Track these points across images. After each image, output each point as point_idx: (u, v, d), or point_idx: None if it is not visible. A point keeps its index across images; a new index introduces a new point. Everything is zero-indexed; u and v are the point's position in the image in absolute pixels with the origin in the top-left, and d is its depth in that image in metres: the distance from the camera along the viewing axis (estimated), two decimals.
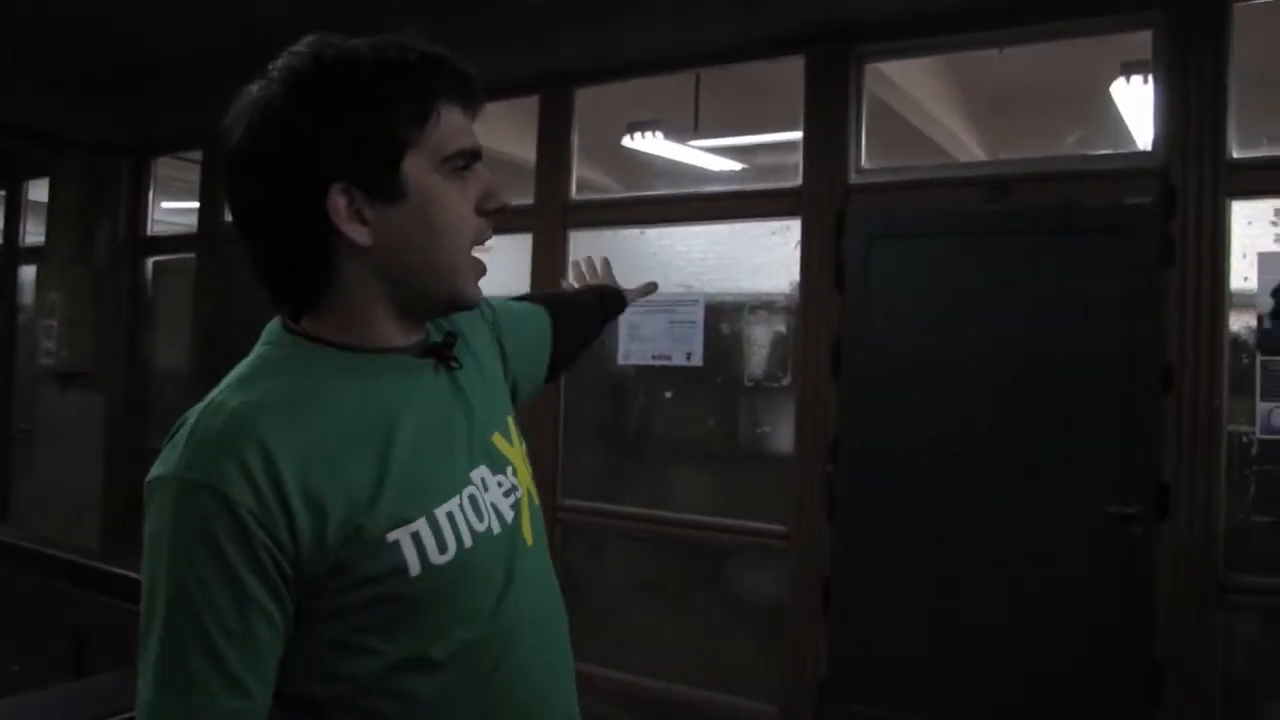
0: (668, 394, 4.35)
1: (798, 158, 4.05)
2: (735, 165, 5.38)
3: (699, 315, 4.20)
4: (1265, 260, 3.23)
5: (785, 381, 4.07)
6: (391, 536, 0.94)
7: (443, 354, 1.07)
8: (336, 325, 1.01)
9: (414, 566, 0.95)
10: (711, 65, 4.37)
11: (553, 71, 4.51)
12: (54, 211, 6.36)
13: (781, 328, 4.09)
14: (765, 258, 4.13)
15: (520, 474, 1.12)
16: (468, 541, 1.00)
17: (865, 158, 3.94)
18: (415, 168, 0.97)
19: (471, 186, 1.02)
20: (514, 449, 1.13)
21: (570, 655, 1.14)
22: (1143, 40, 3.48)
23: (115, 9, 4.63)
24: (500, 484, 1.08)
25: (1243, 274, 3.26)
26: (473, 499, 1.03)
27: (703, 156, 5.35)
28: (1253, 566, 3.22)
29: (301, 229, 0.97)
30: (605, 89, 4.62)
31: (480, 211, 1.03)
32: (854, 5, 3.78)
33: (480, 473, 1.06)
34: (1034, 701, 3.44)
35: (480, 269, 1.05)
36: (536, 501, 1.15)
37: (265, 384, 0.98)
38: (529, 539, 1.09)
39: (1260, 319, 3.21)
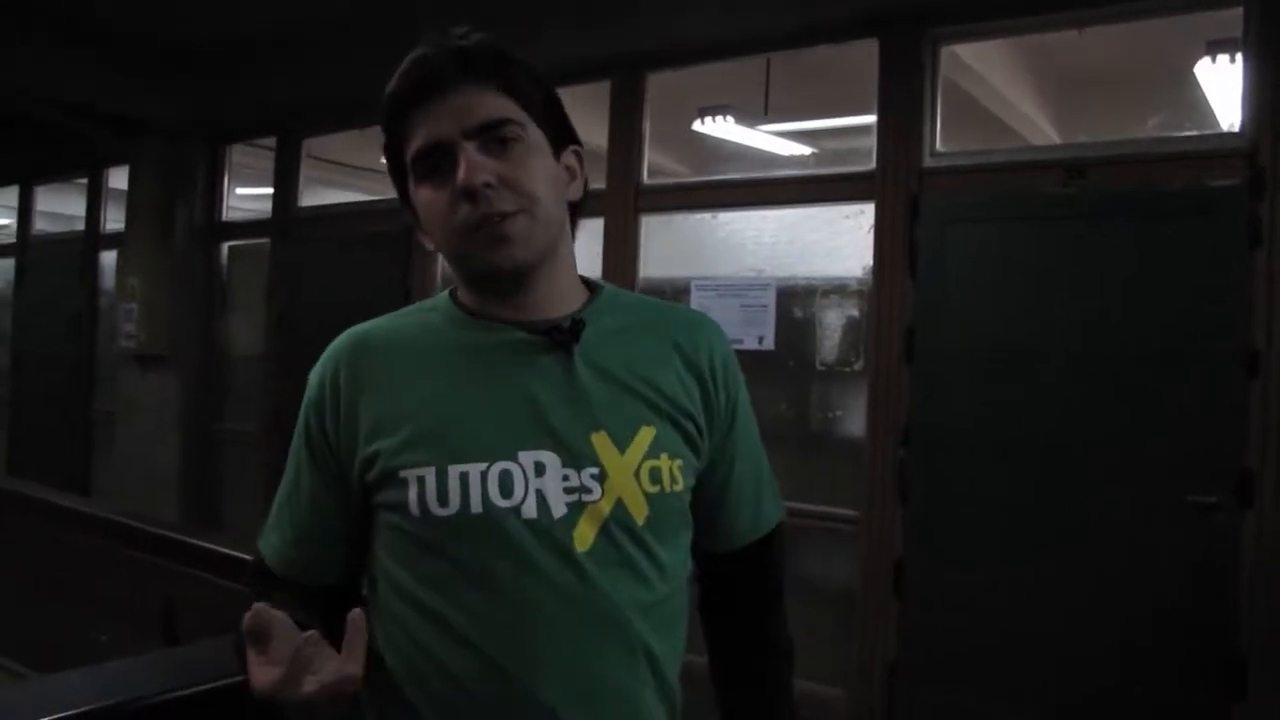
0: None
1: (867, 142, 4.02)
2: (805, 150, 5.36)
3: (770, 299, 4.20)
4: None
5: (858, 366, 4.05)
6: (404, 473, 1.06)
7: (555, 335, 1.10)
8: (461, 292, 1.18)
9: (414, 507, 1.05)
10: (783, 49, 4.35)
11: (624, 56, 4.52)
12: (133, 198, 6.51)
13: (854, 312, 4.07)
14: (838, 242, 4.11)
15: (613, 482, 1.07)
16: (475, 507, 1.04)
17: (940, 141, 3.90)
18: (413, 184, 1.11)
19: (450, 179, 1.06)
20: (621, 458, 1.08)
21: (625, 682, 1.08)
22: (1230, 18, 3.39)
23: None
24: (566, 477, 1.06)
25: None
26: (505, 473, 1.05)
27: (773, 141, 5.33)
28: None
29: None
30: (676, 74, 4.62)
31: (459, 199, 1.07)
32: None
33: (538, 456, 1.06)
34: (1108, 692, 3.39)
35: (488, 241, 1.06)
36: (636, 521, 1.08)
37: (394, 319, 1.18)
38: (581, 544, 1.05)
39: None
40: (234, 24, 5.11)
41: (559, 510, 1.05)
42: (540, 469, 1.06)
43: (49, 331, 7.46)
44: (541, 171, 1.09)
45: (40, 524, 3.72)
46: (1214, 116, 3.80)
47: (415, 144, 1.08)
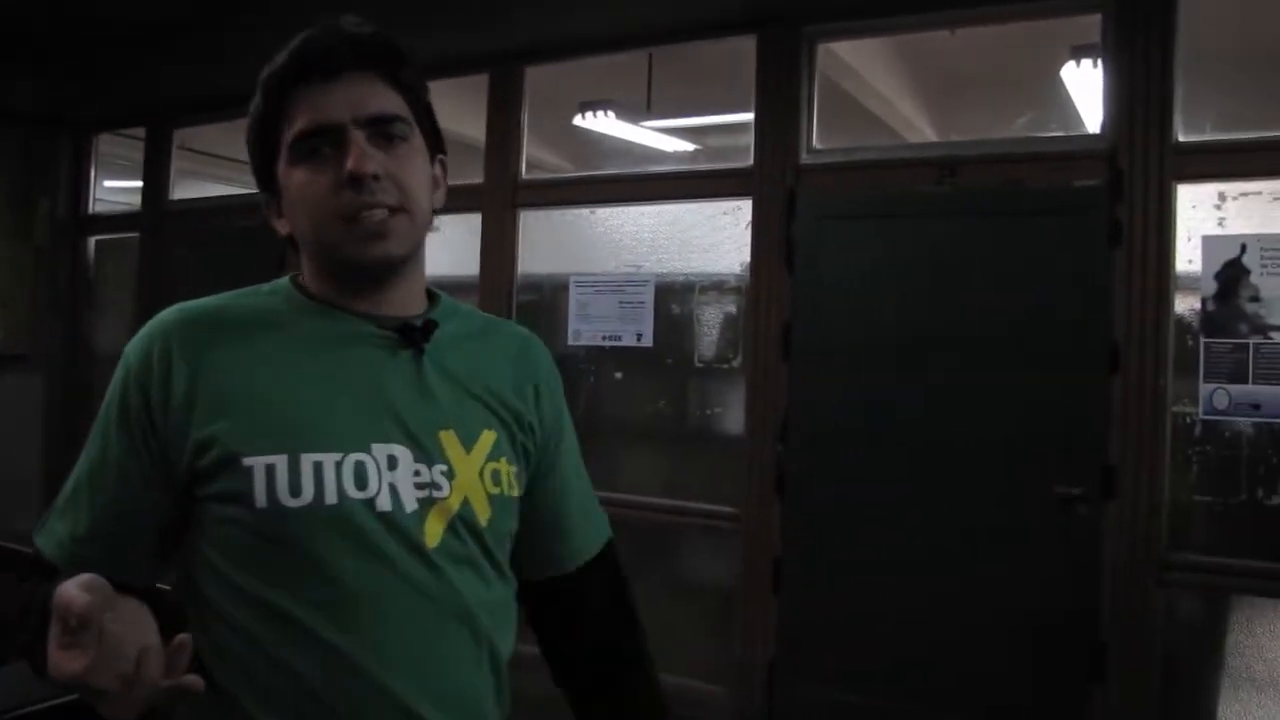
0: (618, 374, 4.32)
1: (749, 139, 4.03)
2: (688, 146, 5.36)
3: (649, 296, 4.17)
4: (1209, 243, 3.25)
5: (736, 362, 4.05)
6: (248, 461, 1.00)
7: (407, 333, 1.10)
8: (309, 280, 1.14)
9: (260, 498, 0.99)
10: (663, 44, 4.33)
11: (502, 50, 4.45)
12: None
13: (732, 308, 4.07)
14: (716, 238, 4.11)
15: (460, 481, 1.07)
16: (330, 498, 1.00)
17: (816, 138, 3.93)
18: (282, 167, 1.09)
19: (333, 164, 1.04)
20: (467, 457, 1.09)
21: (474, 681, 1.07)
22: (1092, 23, 3.49)
23: None
24: (418, 473, 1.05)
25: (1187, 257, 3.28)
26: (360, 465, 1.02)
27: (655, 137, 5.32)
28: (1194, 545, 3.26)
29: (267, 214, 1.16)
30: (557, 68, 4.56)
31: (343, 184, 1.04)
32: None
33: (390, 449, 1.04)
34: (981, 679, 3.46)
35: (365, 233, 1.05)
36: (480, 520, 1.08)
37: (226, 298, 1.12)
38: (430, 540, 1.04)
39: (1204, 301, 3.25)
40: (101, 11, 4.88)
41: (410, 505, 1.03)
42: (393, 462, 1.04)
43: None
44: (421, 173, 1.10)
45: None
46: (1079, 119, 3.91)
47: (299, 124, 1.05)
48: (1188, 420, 3.26)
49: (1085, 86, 3.79)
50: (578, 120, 5.00)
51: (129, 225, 6.01)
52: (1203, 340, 3.24)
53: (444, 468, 1.06)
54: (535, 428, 1.19)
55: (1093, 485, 3.32)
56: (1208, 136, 3.34)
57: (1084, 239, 3.40)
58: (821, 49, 3.99)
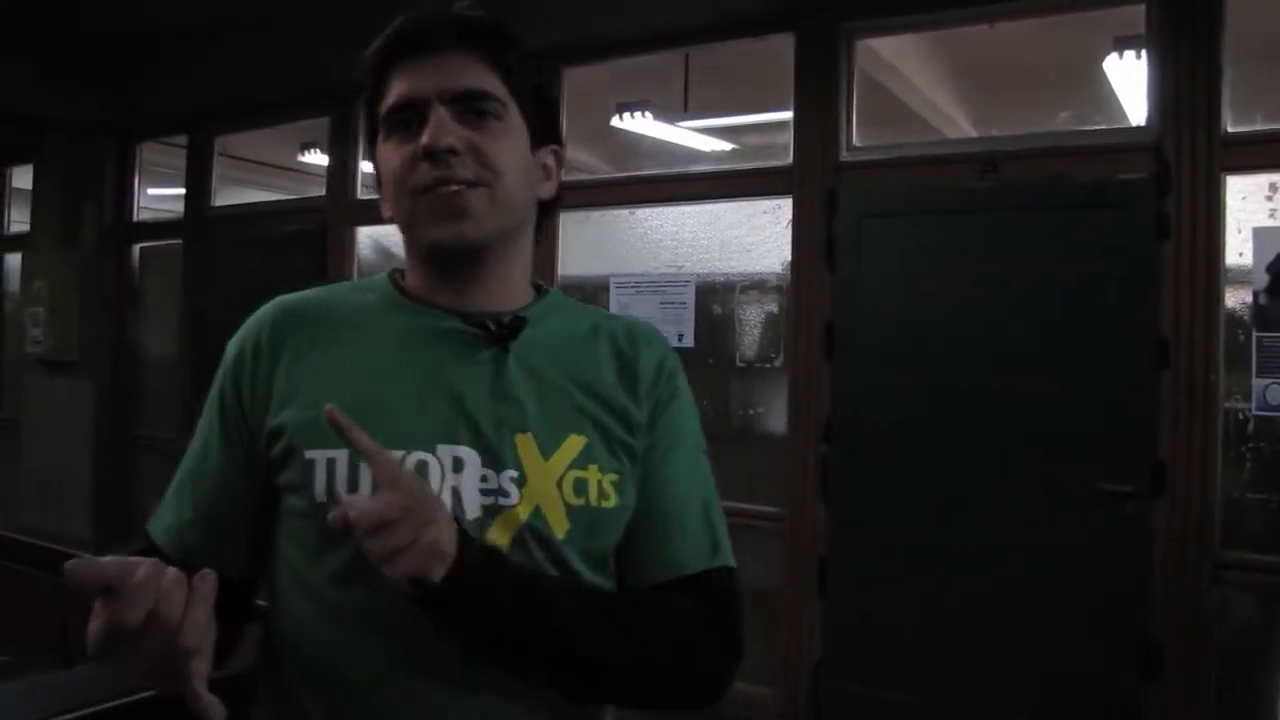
0: None
1: (788, 137, 4.01)
2: (726, 145, 5.35)
3: (690, 296, 4.17)
4: (1260, 235, 3.20)
5: (778, 362, 4.04)
6: (310, 454, 0.99)
7: (493, 330, 1.04)
8: (407, 272, 1.12)
9: (319, 491, 0.99)
10: (700, 43, 4.33)
11: (539, 51, 4.44)
12: (38, 197, 6.31)
13: (774, 308, 4.06)
14: (756, 237, 4.10)
15: (532, 488, 1.00)
16: None
17: (856, 135, 3.91)
18: (379, 141, 1.07)
19: (416, 138, 1.01)
20: (544, 463, 1.01)
21: (521, 698, 0.99)
22: (1135, 14, 3.44)
23: None
24: (484, 478, 0.99)
25: (1238, 249, 3.23)
26: (421, 465, 0.98)
27: (693, 137, 5.31)
28: (1248, 543, 3.21)
29: None
30: (594, 69, 4.57)
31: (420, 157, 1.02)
32: None
33: (457, 451, 1.00)
34: (1030, 680, 3.43)
35: (440, 209, 1.01)
36: (554, 533, 1.00)
37: (325, 291, 1.13)
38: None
39: (1255, 295, 3.19)
40: (144, 20, 4.96)
41: (473, 512, 0.98)
42: (458, 465, 0.99)
43: None
44: (513, 153, 1.04)
45: None
46: (1122, 111, 3.86)
47: (389, 99, 1.04)
48: (1240, 416, 3.22)
49: (1129, 78, 3.74)
50: (615, 121, 5.01)
51: (172, 232, 6.10)
52: (1255, 334, 3.19)
53: (514, 474, 1.00)
54: (639, 423, 1.08)
55: (1142, 482, 3.28)
56: (1258, 126, 3.29)
57: (1130, 233, 3.35)
58: (860, 45, 3.97)
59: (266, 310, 1.10)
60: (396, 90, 1.03)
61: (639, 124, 5.04)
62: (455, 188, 1.00)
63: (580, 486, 1.02)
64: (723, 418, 4.22)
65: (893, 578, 3.70)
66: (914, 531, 3.66)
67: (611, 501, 1.03)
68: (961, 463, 3.58)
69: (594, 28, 4.29)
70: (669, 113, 5.03)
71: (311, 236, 5.20)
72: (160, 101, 5.82)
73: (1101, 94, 4.01)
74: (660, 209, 4.33)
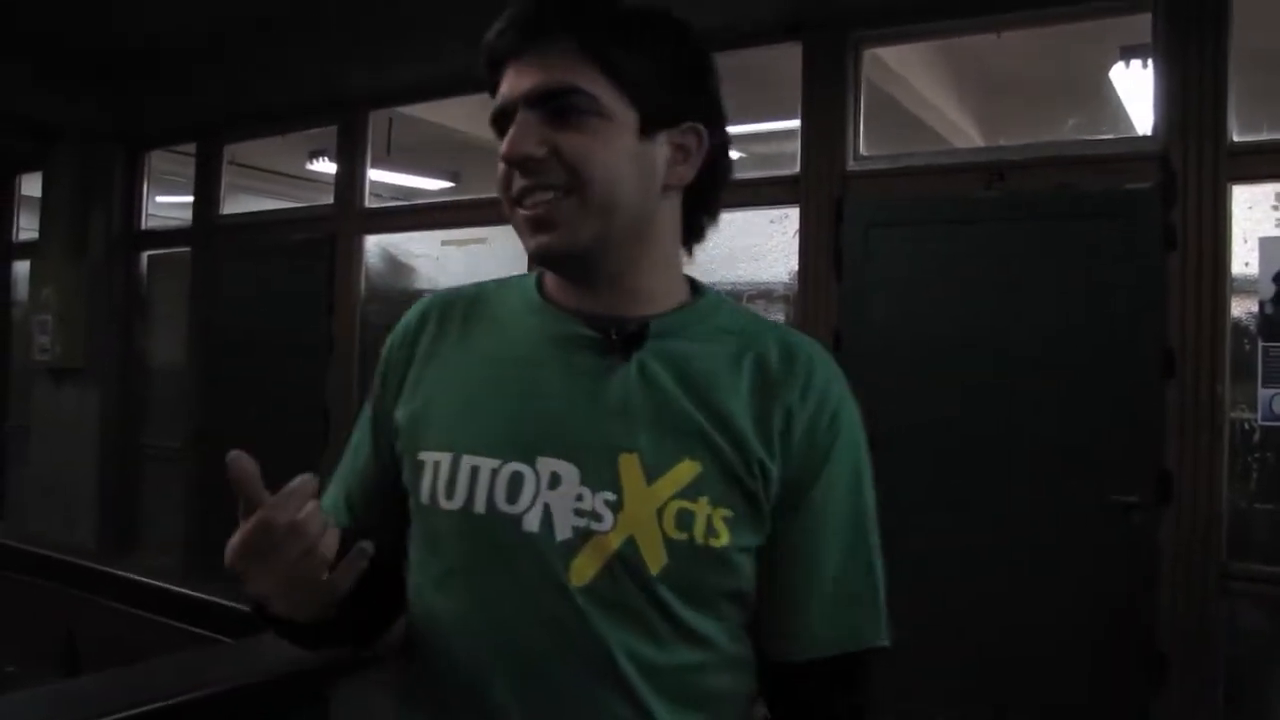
0: None
1: (796, 146, 4.01)
2: (733, 154, 5.35)
3: None
4: (1266, 245, 3.20)
5: None
6: (422, 455, 0.99)
7: (614, 337, 0.97)
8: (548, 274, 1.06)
9: (424, 493, 0.98)
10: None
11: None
12: (47, 205, 6.31)
13: (781, 316, 4.06)
14: (763, 246, 4.11)
15: (628, 515, 0.91)
16: (479, 506, 0.94)
17: (864, 145, 3.91)
18: None
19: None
20: (646, 489, 0.92)
21: None
22: (1141, 24, 3.45)
23: None
24: (580, 497, 0.92)
25: (1244, 259, 3.23)
26: (516, 476, 0.94)
27: None
28: (1255, 554, 3.20)
29: None
30: None
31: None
32: None
33: (556, 465, 0.93)
34: (1035, 690, 3.42)
35: (529, 222, 0.95)
36: (648, 568, 0.91)
37: (483, 286, 1.09)
38: (576, 577, 0.91)
39: (1262, 304, 3.19)
40: (154, 29, 4.98)
41: (563, 532, 0.92)
42: (555, 480, 0.93)
43: None
44: (608, 150, 0.94)
45: None
46: (1129, 120, 3.86)
47: (496, 102, 0.99)
48: (1246, 426, 3.21)
49: (1135, 87, 3.75)
50: None
51: (181, 240, 6.11)
52: (1261, 344, 3.19)
53: (611, 497, 0.92)
54: (769, 469, 0.95)
55: (1149, 492, 3.28)
56: (1264, 136, 3.29)
57: (1136, 242, 3.35)
58: (867, 55, 3.98)
59: (424, 300, 1.09)
60: (499, 94, 0.98)
61: None
62: (544, 198, 0.94)
63: (685, 519, 0.92)
64: None
65: (899, 585, 3.65)
66: (920, 538, 3.64)
67: (722, 540, 0.92)
68: (968, 471, 3.57)
69: None
70: None
71: (320, 245, 5.21)
72: (169, 110, 5.84)
73: (1108, 103, 4.03)
74: None
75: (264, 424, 5.35)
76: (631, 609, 0.92)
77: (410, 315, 1.08)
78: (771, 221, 4.08)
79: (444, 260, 4.91)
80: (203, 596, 2.61)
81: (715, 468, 0.93)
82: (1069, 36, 3.80)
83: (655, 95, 0.97)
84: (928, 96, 4.71)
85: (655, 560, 0.91)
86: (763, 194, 4.11)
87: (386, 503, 1.05)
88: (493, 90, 1.00)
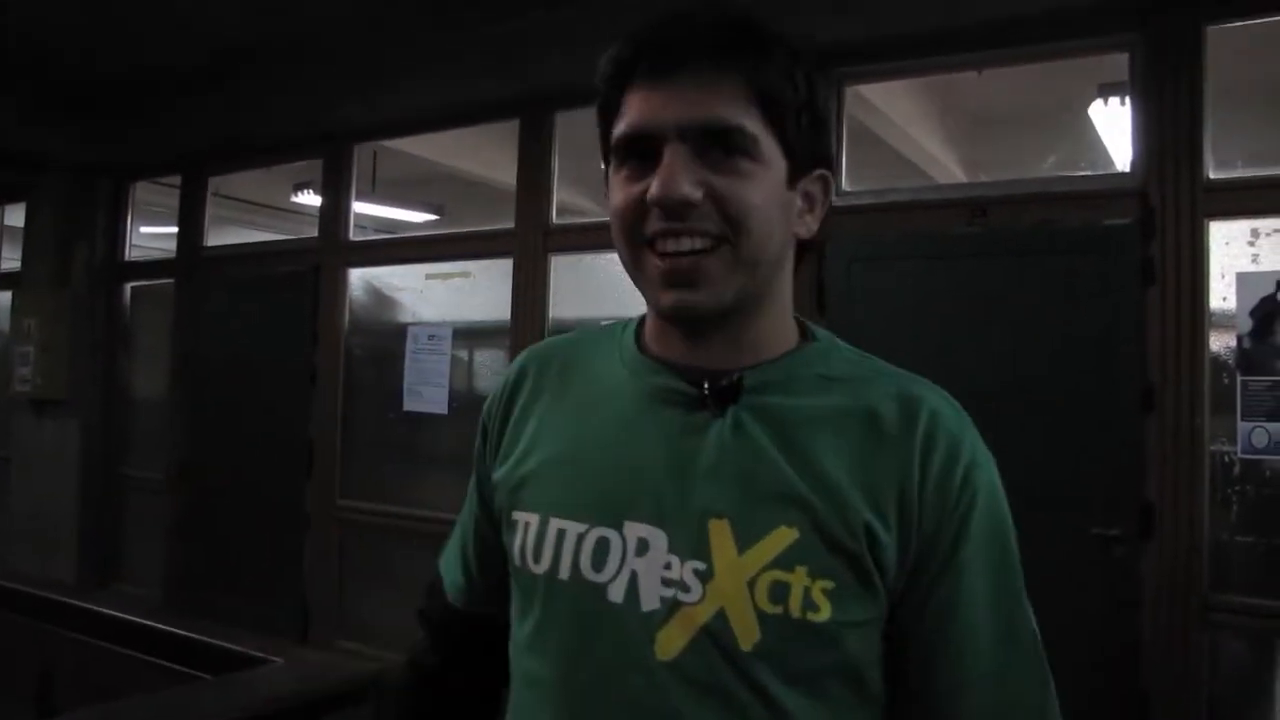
0: None
1: None
2: None
3: None
4: (1243, 280, 3.23)
5: None
6: (516, 514, 0.96)
7: (710, 392, 0.90)
8: (646, 321, 1.00)
9: (516, 555, 0.95)
10: None
11: (533, 94, 4.50)
12: (30, 236, 6.31)
13: None
14: None
15: (718, 586, 0.84)
16: (564, 572, 0.89)
17: (845, 180, 3.94)
18: (610, 169, 0.93)
19: (647, 177, 0.87)
20: (737, 558, 0.84)
21: None
22: (1119, 62, 3.50)
23: (91, 29, 4.61)
24: (668, 565, 0.85)
25: (1221, 294, 3.27)
26: (602, 542, 0.88)
27: None
28: (1237, 586, 3.21)
29: None
30: (587, 112, 4.59)
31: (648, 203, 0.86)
32: (832, 27, 3.79)
33: (643, 530, 0.87)
34: None
35: (671, 276, 0.87)
36: (740, 643, 0.84)
37: (587, 335, 1.05)
38: (662, 651, 0.85)
39: (1240, 339, 3.22)
40: (138, 62, 5.00)
41: (650, 602, 0.86)
42: (643, 547, 0.87)
43: None
44: (764, 197, 0.87)
45: None
46: (1108, 156, 3.91)
47: (622, 125, 0.88)
48: (1226, 459, 3.23)
49: (1113, 124, 3.80)
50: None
51: (164, 271, 6.10)
52: (1240, 378, 3.21)
53: (700, 565, 0.85)
54: (880, 537, 0.85)
55: (1131, 525, 3.29)
56: (1239, 173, 3.33)
57: (1116, 277, 3.38)
58: (849, 91, 4.02)
59: (523, 353, 1.06)
60: (631, 114, 0.88)
61: None
62: (691, 246, 0.85)
63: (779, 592, 0.84)
64: None
65: None
66: None
67: (823, 614, 0.84)
68: None
69: (587, 71, 4.31)
70: None
71: (304, 277, 5.21)
72: (154, 142, 5.85)
73: (1087, 139, 4.08)
74: None
75: (247, 456, 5.33)
76: (721, 687, 0.84)
77: (510, 370, 1.05)
78: None
79: (427, 293, 4.91)
80: (183, 633, 2.60)
81: (814, 535, 0.85)
82: (1048, 74, 3.85)
83: (803, 141, 0.91)
84: (909, 131, 4.76)
85: (747, 636, 0.83)
86: None
87: (500, 559, 1.01)
88: (605, 108, 0.92)
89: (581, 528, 0.89)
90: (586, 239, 4.52)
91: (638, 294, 0.95)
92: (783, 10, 3.79)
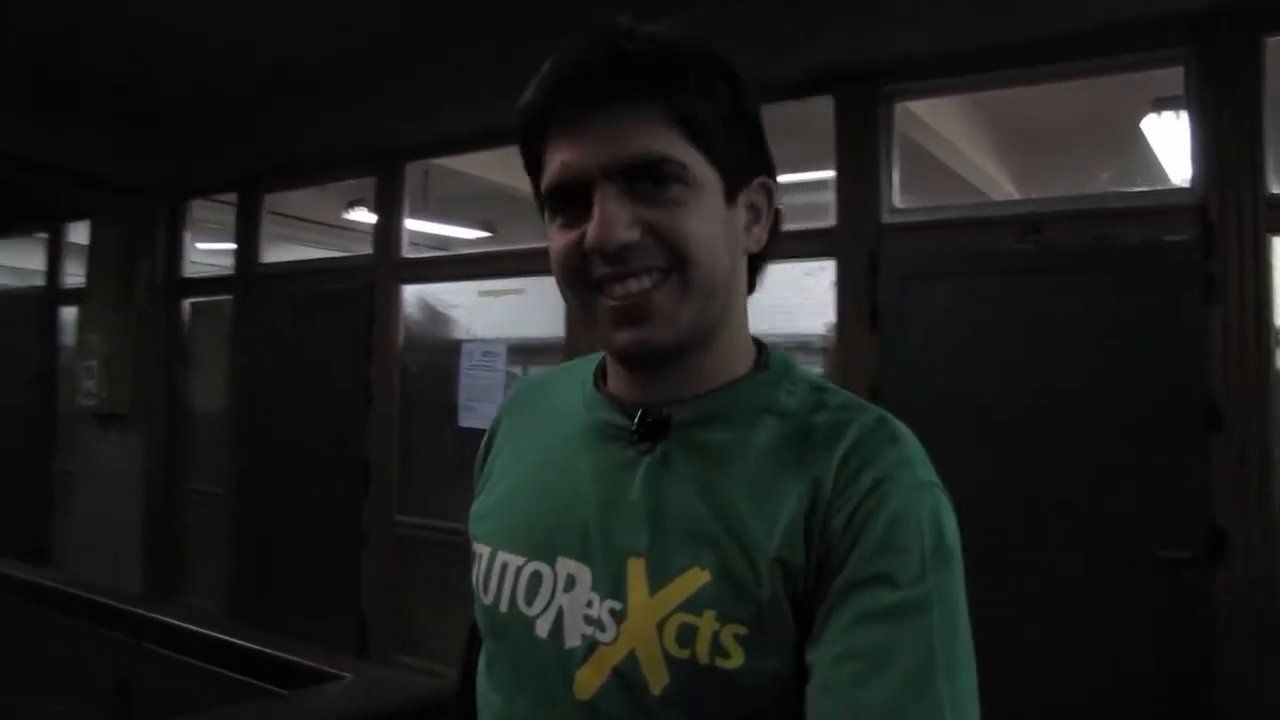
0: None
1: (829, 197, 4.06)
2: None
3: None
4: None
5: None
6: (476, 546, 0.98)
7: (639, 427, 0.89)
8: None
9: (473, 586, 0.97)
10: None
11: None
12: (93, 253, 6.47)
13: (818, 369, 4.07)
14: (800, 299, 4.12)
15: (630, 627, 0.82)
16: (504, 605, 0.91)
17: (898, 197, 3.94)
18: (545, 219, 0.90)
19: (583, 223, 0.85)
20: (648, 599, 0.82)
21: None
22: (1173, 76, 3.47)
23: (154, 57, 4.74)
24: (589, 603, 0.85)
25: None
26: (535, 576, 0.89)
27: None
28: None
29: None
30: None
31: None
32: (882, 45, 3.80)
33: (572, 567, 0.87)
34: None
35: (620, 317, 0.84)
36: (650, 687, 0.80)
37: (563, 370, 1.06)
38: (580, 690, 0.83)
39: None
40: (198, 84, 5.13)
41: (572, 640, 0.85)
42: (570, 583, 0.86)
43: (7, 389, 7.34)
44: (704, 222, 0.85)
45: None
46: (1164, 171, 3.88)
47: (547, 175, 0.86)
48: None
49: (1168, 138, 3.76)
50: None
51: (223, 288, 6.23)
52: None
53: (616, 605, 0.83)
54: (794, 568, 0.80)
55: (1199, 548, 3.23)
56: None
57: (1176, 295, 3.34)
58: (899, 107, 4.02)
59: (511, 389, 1.09)
60: (554, 165, 0.85)
61: None
62: (638, 286, 0.83)
63: (686, 635, 0.80)
64: None
65: None
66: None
67: (734, 661, 0.79)
68: (1010, 528, 3.53)
69: None
70: None
71: (359, 294, 5.30)
72: (212, 161, 5.98)
73: (1141, 154, 4.04)
74: None
75: (305, 470, 5.42)
76: None
77: (501, 403, 1.09)
78: (807, 274, 4.10)
79: (481, 310, 4.97)
80: (254, 646, 2.66)
81: (724, 579, 0.80)
82: (1101, 88, 3.82)
83: (732, 152, 0.88)
84: (961, 148, 4.75)
85: (657, 680, 0.80)
86: (798, 246, 4.12)
87: None
88: (529, 161, 0.90)
89: (520, 560, 0.90)
90: None
91: None
92: (834, 30, 3.82)
